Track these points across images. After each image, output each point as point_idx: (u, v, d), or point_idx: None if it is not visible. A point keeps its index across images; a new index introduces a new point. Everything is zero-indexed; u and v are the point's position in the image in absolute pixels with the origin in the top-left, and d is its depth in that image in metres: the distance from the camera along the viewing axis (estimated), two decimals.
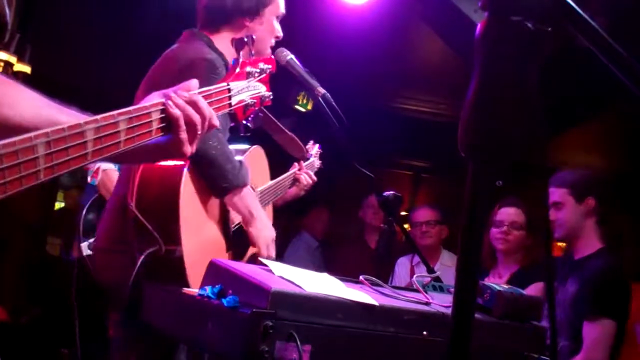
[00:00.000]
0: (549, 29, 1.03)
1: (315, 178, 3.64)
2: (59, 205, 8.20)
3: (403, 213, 7.10)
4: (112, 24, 5.64)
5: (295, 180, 3.60)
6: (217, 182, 2.59)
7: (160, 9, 5.15)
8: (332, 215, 7.17)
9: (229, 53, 2.82)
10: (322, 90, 2.87)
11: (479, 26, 1.07)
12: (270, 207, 3.32)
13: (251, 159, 3.02)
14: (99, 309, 2.72)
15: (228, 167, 2.58)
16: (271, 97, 2.19)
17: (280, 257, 2.76)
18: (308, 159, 3.73)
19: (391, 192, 3.24)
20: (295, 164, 3.63)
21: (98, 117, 1.45)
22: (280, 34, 2.95)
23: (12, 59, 4.71)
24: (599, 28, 1.06)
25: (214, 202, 2.71)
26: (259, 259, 2.76)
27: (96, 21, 5.70)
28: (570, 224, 3.78)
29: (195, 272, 2.42)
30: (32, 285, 6.85)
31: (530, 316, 2.24)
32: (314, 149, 3.92)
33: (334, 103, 2.87)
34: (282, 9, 2.95)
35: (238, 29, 2.86)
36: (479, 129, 1.07)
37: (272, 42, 2.93)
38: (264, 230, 2.80)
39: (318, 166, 3.93)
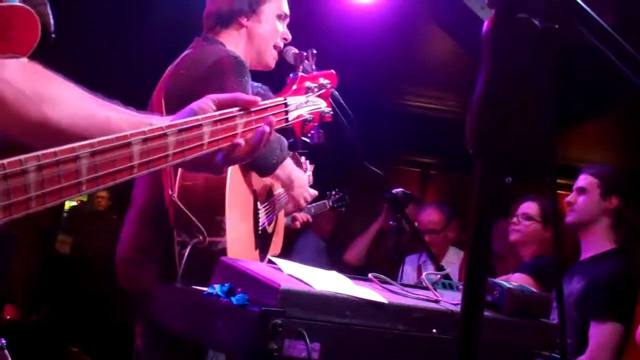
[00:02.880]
0: (556, 26, 1.03)
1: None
2: (69, 204, 8.24)
3: None
4: (125, 28, 5.66)
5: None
6: (268, 160, 2.61)
7: (173, 14, 5.16)
8: (340, 212, 7.13)
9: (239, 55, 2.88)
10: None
11: (486, 23, 1.07)
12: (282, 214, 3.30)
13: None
14: (127, 317, 2.74)
15: (275, 145, 2.60)
16: (331, 112, 2.18)
17: (286, 255, 2.76)
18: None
19: (400, 189, 3.24)
20: None
21: (145, 129, 1.42)
22: (288, 36, 2.95)
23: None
24: (607, 25, 1.06)
25: (250, 199, 2.74)
26: (269, 257, 2.77)
27: (108, 24, 5.71)
28: (587, 213, 3.71)
29: None
30: (42, 283, 6.88)
31: (539, 313, 2.24)
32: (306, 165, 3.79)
33: (342, 101, 2.87)
34: (284, 8, 2.94)
35: (237, 30, 2.88)
36: (487, 125, 1.07)
37: (280, 43, 2.93)
38: (301, 186, 3.05)
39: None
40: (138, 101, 1.76)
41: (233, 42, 2.87)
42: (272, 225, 3.06)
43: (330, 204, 3.79)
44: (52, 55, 1.41)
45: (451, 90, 7.42)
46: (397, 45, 6.18)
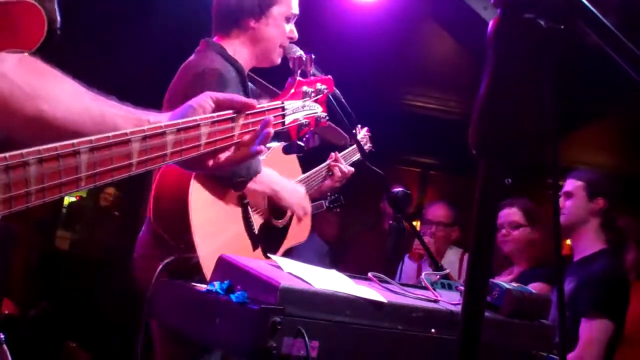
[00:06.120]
0: (561, 26, 1.03)
1: (350, 169, 3.45)
2: (68, 200, 8.23)
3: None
4: (129, 29, 5.65)
5: (330, 172, 3.44)
6: (232, 180, 2.66)
7: (178, 16, 5.16)
8: (341, 212, 7.09)
9: (242, 57, 2.90)
10: None
11: (490, 24, 1.06)
12: None
13: (274, 156, 3.04)
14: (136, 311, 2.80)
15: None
16: (327, 117, 2.20)
17: (287, 256, 2.78)
18: (346, 147, 3.52)
19: (400, 189, 3.24)
20: (332, 153, 3.48)
21: (145, 127, 1.42)
22: (295, 35, 2.95)
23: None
24: (611, 26, 1.06)
25: (231, 207, 2.76)
26: (269, 255, 2.78)
27: (114, 26, 5.70)
28: (574, 215, 3.80)
29: None
30: (40, 279, 6.89)
31: (538, 314, 2.24)
32: (360, 133, 3.71)
33: (343, 100, 2.87)
34: (294, 9, 2.94)
35: (244, 31, 2.89)
36: (490, 126, 1.06)
37: (286, 42, 2.93)
38: (291, 196, 2.95)
39: (366, 150, 3.68)
40: (149, 100, 1.75)
41: (237, 44, 2.89)
42: (285, 218, 3.07)
43: (327, 204, 3.80)
44: (61, 54, 1.39)
45: (452, 91, 7.42)
46: (399, 45, 6.18)
